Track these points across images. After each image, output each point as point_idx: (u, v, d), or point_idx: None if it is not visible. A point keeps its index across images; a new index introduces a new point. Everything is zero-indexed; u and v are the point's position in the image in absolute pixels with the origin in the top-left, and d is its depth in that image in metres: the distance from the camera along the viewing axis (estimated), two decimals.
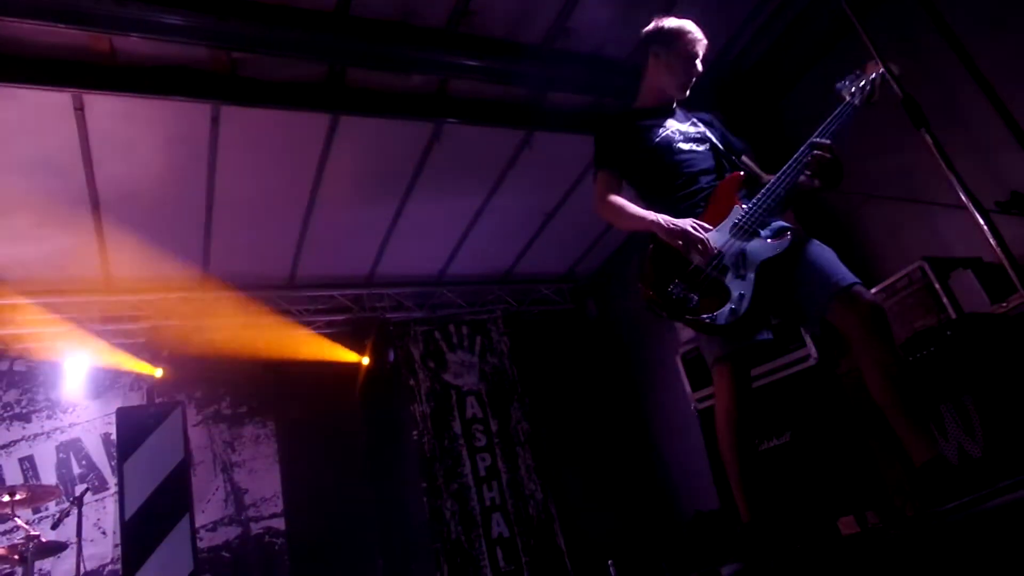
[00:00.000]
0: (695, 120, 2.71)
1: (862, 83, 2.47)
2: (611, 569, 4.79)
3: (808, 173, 2.37)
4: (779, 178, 2.39)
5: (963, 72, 3.62)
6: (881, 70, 2.41)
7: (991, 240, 2.25)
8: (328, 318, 6.44)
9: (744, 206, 2.39)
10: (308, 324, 6.38)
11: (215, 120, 4.37)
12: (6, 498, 4.22)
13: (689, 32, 2.68)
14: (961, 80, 3.70)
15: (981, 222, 2.26)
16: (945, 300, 3.22)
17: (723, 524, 4.40)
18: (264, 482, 6.01)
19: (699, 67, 2.69)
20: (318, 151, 4.83)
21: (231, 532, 5.78)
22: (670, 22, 2.71)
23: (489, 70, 4.49)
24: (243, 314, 6.03)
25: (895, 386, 2.14)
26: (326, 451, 6.23)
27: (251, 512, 5.89)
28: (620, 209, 2.53)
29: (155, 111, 4.22)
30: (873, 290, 3.55)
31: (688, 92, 2.71)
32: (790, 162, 2.39)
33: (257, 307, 6.08)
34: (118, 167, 4.51)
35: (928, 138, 2.37)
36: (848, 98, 2.46)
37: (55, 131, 4.15)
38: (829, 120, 2.43)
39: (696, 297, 2.26)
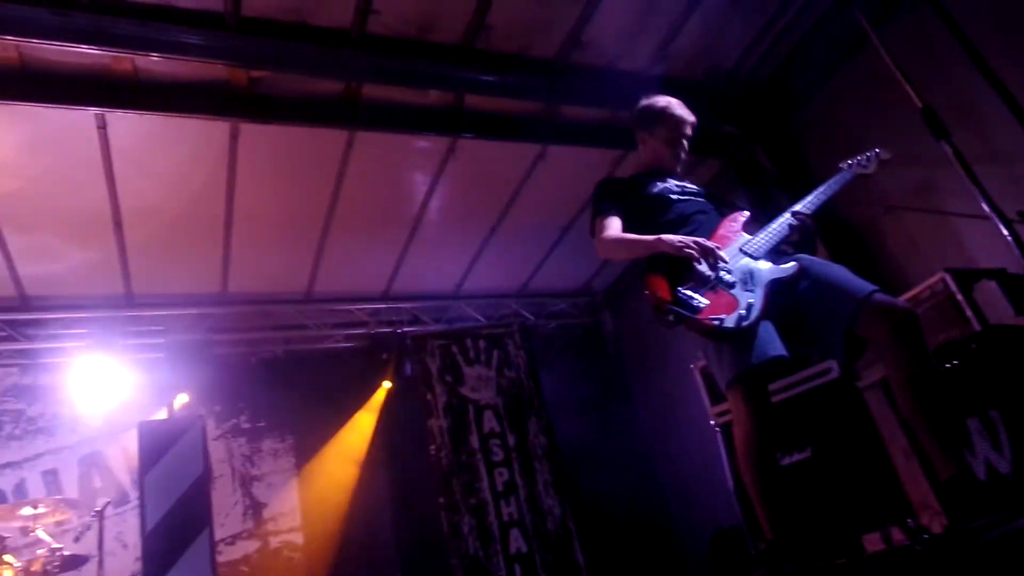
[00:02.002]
0: (691, 182, 2.78)
1: (859, 159, 2.66)
2: None
3: (787, 234, 2.45)
4: (767, 228, 2.47)
5: (983, 81, 3.56)
6: (877, 150, 2.62)
7: (1015, 250, 2.21)
8: (345, 332, 6.47)
9: (748, 237, 2.46)
10: (325, 338, 6.42)
11: (234, 137, 4.43)
12: (29, 511, 4.27)
13: (673, 115, 2.75)
14: (981, 89, 3.64)
15: (1004, 232, 2.23)
16: (969, 312, 3.15)
17: (744, 540, 4.33)
18: (282, 496, 6.03)
19: (686, 148, 2.77)
20: (335, 166, 4.88)
21: (250, 546, 5.79)
22: (656, 103, 2.78)
23: (504, 85, 4.52)
24: (262, 328, 6.09)
25: (923, 397, 2.08)
26: (343, 465, 6.23)
27: (269, 526, 5.90)
28: (621, 239, 2.56)
29: (176, 128, 4.29)
30: None
31: (679, 170, 2.79)
32: (773, 221, 2.48)
33: (276, 321, 6.14)
34: (140, 184, 4.58)
35: (949, 148, 2.34)
36: (844, 168, 2.64)
37: (79, 149, 4.23)
38: (819, 190, 2.53)
39: (703, 301, 2.25)
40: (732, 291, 2.28)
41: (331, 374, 6.46)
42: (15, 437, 5.42)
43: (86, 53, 3.58)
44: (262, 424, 6.18)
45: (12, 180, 4.30)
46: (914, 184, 4.03)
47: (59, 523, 5.04)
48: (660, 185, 2.68)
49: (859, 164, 2.63)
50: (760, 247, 2.40)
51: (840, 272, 2.31)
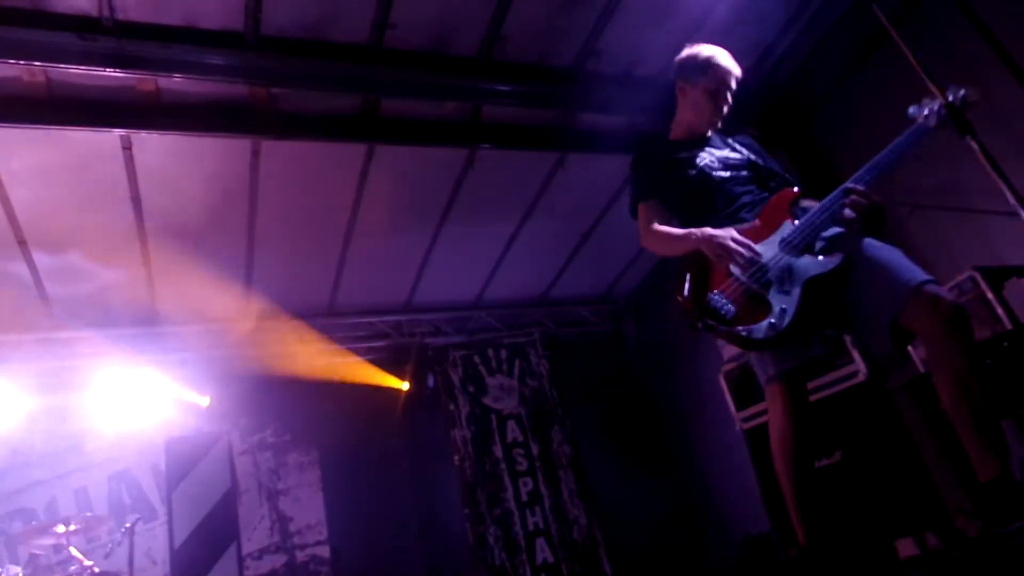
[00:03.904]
0: (735, 145, 2.62)
1: (936, 106, 2.27)
2: None
3: (847, 215, 2.24)
4: (815, 214, 2.28)
5: (1006, 75, 3.53)
6: (962, 91, 2.23)
7: None
8: (368, 344, 6.50)
9: (794, 222, 2.29)
10: (348, 351, 6.45)
11: (256, 153, 4.48)
12: (61, 528, 4.33)
13: (718, 65, 2.58)
14: (1004, 83, 3.60)
15: None
16: (1000, 310, 3.11)
17: (773, 548, 4.27)
18: (309, 510, 6.05)
19: (728, 101, 2.60)
20: (355, 181, 4.92)
21: (277, 560, 5.81)
22: (701, 52, 2.62)
23: (521, 95, 4.55)
24: (285, 343, 6.13)
25: (967, 396, 2.02)
26: (369, 478, 6.25)
27: (296, 540, 5.92)
28: (664, 236, 2.46)
29: (199, 146, 4.36)
30: None
31: (720, 125, 2.64)
32: (823, 203, 2.28)
33: (299, 335, 6.18)
34: (164, 202, 4.65)
35: (975, 145, 2.30)
36: (919, 119, 2.29)
37: (105, 170, 4.30)
38: (882, 155, 2.28)
39: (733, 309, 2.17)
40: (767, 294, 2.17)
41: (354, 386, 6.48)
42: (46, 455, 5.50)
43: (111, 76, 3.65)
44: (287, 438, 6.22)
45: (40, 202, 4.38)
46: (940, 182, 3.98)
47: (90, 540, 5.11)
48: (700, 163, 2.51)
49: (938, 114, 2.23)
50: (803, 238, 2.23)
51: (892, 257, 2.19)
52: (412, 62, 4.17)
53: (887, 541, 3.36)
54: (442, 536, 6.15)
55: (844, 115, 4.89)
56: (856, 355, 3.76)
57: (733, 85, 2.60)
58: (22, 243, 4.61)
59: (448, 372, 6.33)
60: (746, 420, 4.41)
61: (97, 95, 3.83)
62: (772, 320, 2.13)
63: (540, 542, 5.87)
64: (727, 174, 2.50)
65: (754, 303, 2.18)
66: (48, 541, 4.47)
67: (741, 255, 2.22)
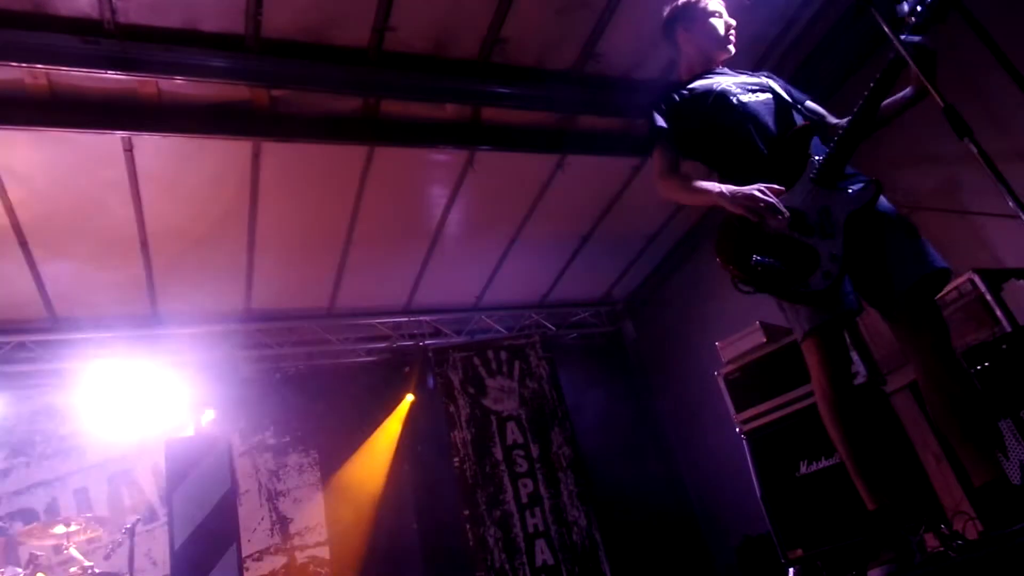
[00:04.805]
0: (750, 72, 2.53)
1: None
2: None
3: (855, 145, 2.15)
4: (835, 146, 2.19)
5: (1004, 78, 3.53)
6: None
7: None
8: (368, 346, 6.51)
9: (818, 158, 2.20)
10: (348, 352, 6.46)
11: (256, 155, 4.50)
12: (62, 529, 4.34)
13: None
14: (1002, 86, 3.61)
15: None
16: (999, 312, 3.11)
17: (773, 548, 4.27)
18: (308, 511, 6.06)
19: (730, 19, 2.55)
20: (355, 181, 4.93)
21: (277, 561, 5.82)
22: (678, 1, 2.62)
23: (521, 97, 4.56)
24: (286, 344, 6.14)
25: (952, 405, 2.03)
26: (369, 479, 6.25)
27: (296, 541, 5.93)
28: (679, 185, 2.34)
29: (200, 149, 4.37)
30: None
31: (733, 48, 2.55)
32: (843, 130, 2.19)
33: (299, 337, 6.19)
34: (165, 205, 4.66)
35: (973, 147, 2.31)
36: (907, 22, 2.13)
37: (107, 172, 4.32)
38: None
39: (782, 266, 2.07)
40: (810, 240, 2.08)
41: (355, 388, 6.50)
42: (47, 456, 5.51)
43: (113, 78, 3.66)
44: (287, 439, 6.23)
45: (42, 204, 4.40)
46: (938, 184, 3.99)
47: (90, 541, 5.12)
48: (717, 88, 2.39)
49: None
50: (828, 171, 2.15)
51: (914, 236, 2.17)
52: (412, 65, 4.19)
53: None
54: (442, 538, 6.15)
55: (845, 114, 4.89)
56: (855, 356, 3.76)
57: (724, 8, 2.57)
58: (23, 244, 4.62)
59: (448, 374, 6.33)
60: (745, 422, 4.41)
61: (99, 97, 3.84)
62: (825, 268, 2.05)
63: (540, 544, 5.86)
64: (747, 98, 2.37)
65: (800, 253, 2.08)
66: (48, 542, 4.49)
67: (773, 207, 2.10)
